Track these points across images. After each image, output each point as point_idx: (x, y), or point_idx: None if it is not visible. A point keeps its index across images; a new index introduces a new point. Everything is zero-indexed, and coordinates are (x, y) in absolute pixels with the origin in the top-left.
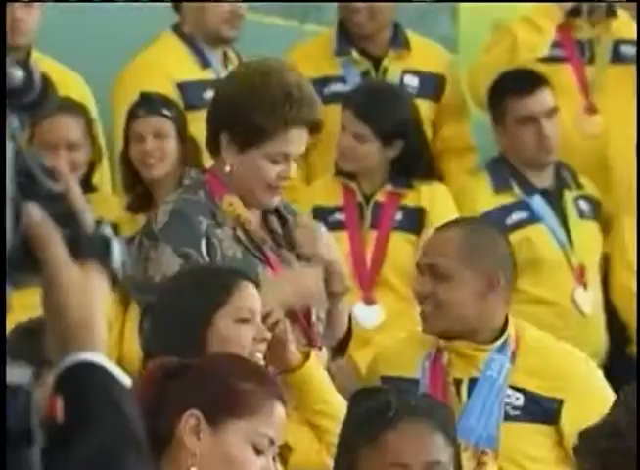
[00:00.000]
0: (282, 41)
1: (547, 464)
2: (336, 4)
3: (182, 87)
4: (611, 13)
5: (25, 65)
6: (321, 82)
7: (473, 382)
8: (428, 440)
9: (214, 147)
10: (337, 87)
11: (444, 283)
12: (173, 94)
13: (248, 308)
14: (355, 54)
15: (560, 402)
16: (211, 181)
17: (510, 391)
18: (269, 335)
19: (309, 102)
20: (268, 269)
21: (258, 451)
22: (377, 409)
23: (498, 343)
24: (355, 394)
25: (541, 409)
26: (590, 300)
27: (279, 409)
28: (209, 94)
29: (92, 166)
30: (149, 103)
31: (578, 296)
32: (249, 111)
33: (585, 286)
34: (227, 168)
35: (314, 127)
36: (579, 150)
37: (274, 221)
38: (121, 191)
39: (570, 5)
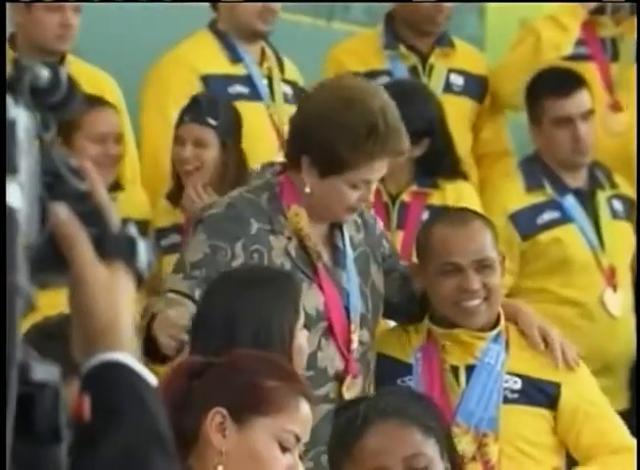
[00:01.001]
0: (309, 40)
1: (545, 449)
2: (362, 3)
3: (206, 80)
4: (635, 11)
5: (52, 64)
6: (368, 76)
7: (469, 369)
8: (402, 435)
9: (295, 164)
10: (383, 80)
11: (490, 273)
12: (197, 88)
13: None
14: (403, 49)
15: (558, 386)
16: (285, 187)
17: (507, 376)
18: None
19: (395, 133)
20: (315, 287)
21: (284, 448)
22: (348, 420)
23: (494, 332)
24: (335, 410)
25: (541, 393)
26: (620, 301)
27: (304, 406)
28: (237, 89)
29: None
30: (196, 109)
31: (607, 297)
32: (331, 144)
33: (615, 287)
34: (307, 190)
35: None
36: (605, 148)
37: (339, 237)
38: (149, 188)
39: (593, 4)
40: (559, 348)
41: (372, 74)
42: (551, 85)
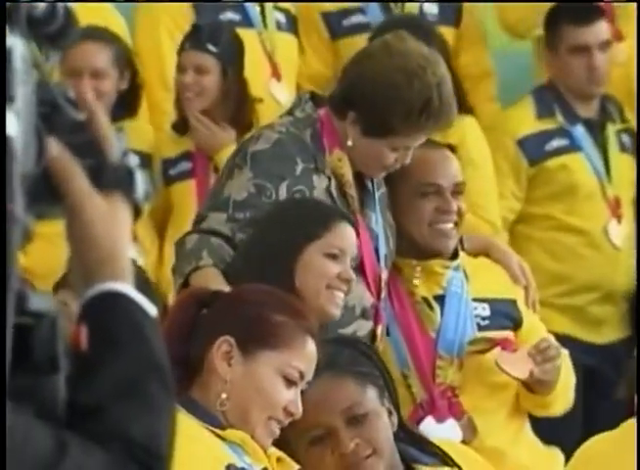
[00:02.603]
0: None
1: None
2: None
3: (196, 7)
4: None
5: None
6: (341, 14)
7: (438, 299)
8: (336, 389)
9: (340, 112)
10: (357, 19)
11: (461, 199)
12: (188, 17)
13: (339, 247)
14: None
15: (514, 303)
16: (326, 126)
17: (475, 303)
18: (354, 277)
19: (446, 109)
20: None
21: (289, 384)
22: None
23: (457, 261)
24: None
25: (506, 316)
26: (623, 233)
27: (310, 344)
28: (228, 15)
29: (127, 94)
30: (196, 36)
31: (611, 228)
32: (383, 111)
33: (619, 219)
34: (350, 143)
35: None
36: (609, 78)
37: (367, 179)
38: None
39: None
40: (533, 288)
41: (345, 13)
42: (571, 13)
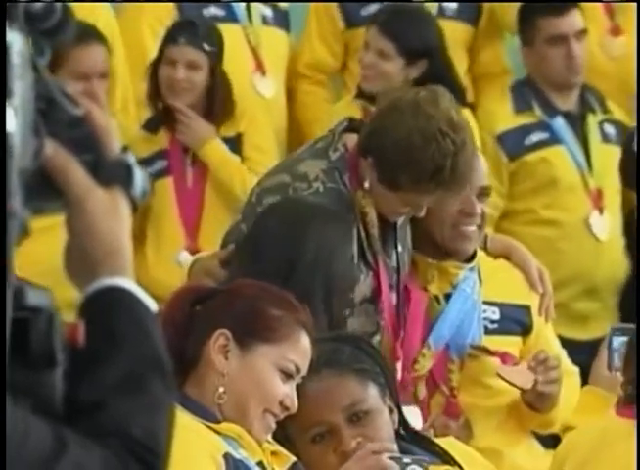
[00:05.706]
0: None
1: None
2: None
3: (179, 5)
4: None
5: None
6: (359, 5)
7: (448, 296)
8: (337, 387)
9: (362, 155)
10: (372, 8)
11: (486, 202)
12: (171, 12)
13: None
14: None
15: (528, 309)
16: (352, 164)
17: (486, 306)
18: None
19: (459, 179)
20: (370, 276)
21: (285, 377)
22: None
23: (473, 262)
24: None
25: (515, 322)
26: (606, 224)
27: (305, 338)
28: (212, 10)
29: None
30: (192, 32)
31: (593, 220)
32: (395, 170)
33: (601, 210)
34: (366, 185)
35: None
36: (604, 72)
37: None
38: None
39: None
40: (549, 295)
41: (363, 4)
42: (545, 4)
